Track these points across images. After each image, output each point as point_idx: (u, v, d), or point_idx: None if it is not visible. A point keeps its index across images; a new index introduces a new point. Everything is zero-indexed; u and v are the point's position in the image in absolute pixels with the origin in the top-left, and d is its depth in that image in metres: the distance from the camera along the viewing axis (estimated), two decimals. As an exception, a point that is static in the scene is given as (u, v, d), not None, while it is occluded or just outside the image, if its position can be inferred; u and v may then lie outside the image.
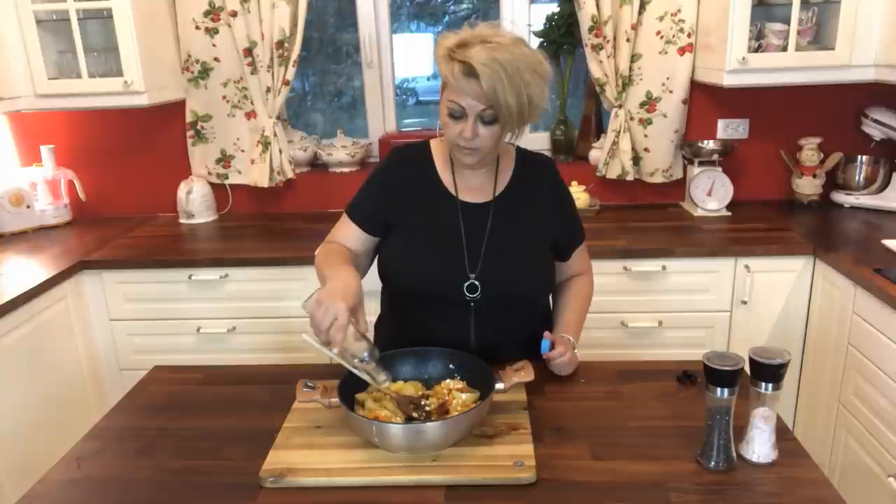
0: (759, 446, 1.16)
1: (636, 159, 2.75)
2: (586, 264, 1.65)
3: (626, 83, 2.65)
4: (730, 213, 2.65)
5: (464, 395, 1.28)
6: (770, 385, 1.13)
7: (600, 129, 2.89)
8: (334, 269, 1.33)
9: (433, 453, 1.18)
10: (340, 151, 2.88)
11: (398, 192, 1.48)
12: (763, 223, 2.54)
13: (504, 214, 1.47)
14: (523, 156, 1.54)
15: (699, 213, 2.66)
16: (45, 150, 2.79)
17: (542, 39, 2.81)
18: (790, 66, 2.38)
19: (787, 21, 2.34)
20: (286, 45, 2.63)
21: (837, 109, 2.73)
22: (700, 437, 1.17)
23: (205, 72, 2.76)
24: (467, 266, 1.44)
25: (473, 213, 1.47)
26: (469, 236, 1.45)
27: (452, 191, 1.48)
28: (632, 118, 2.71)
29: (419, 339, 1.42)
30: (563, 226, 1.55)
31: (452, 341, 1.41)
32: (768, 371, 1.13)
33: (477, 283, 1.43)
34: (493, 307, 1.45)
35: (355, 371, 1.26)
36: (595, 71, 2.63)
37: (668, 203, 2.85)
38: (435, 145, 1.53)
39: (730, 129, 2.79)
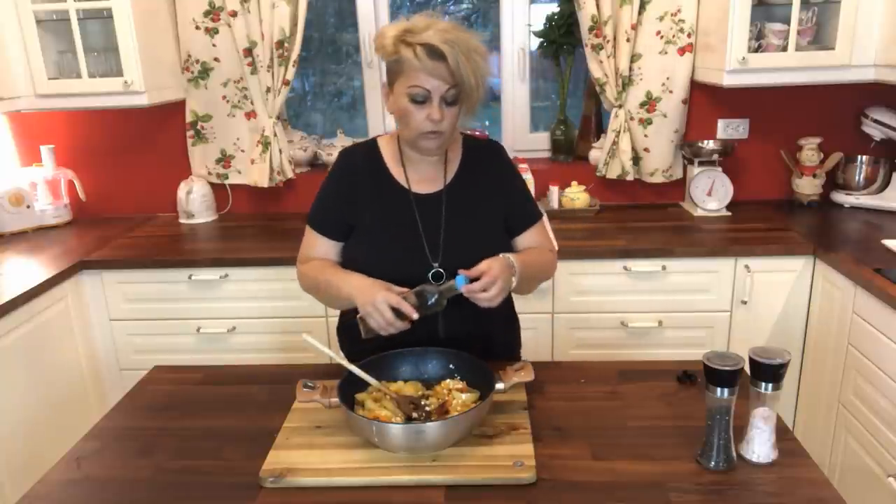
0: (759, 446, 1.16)
1: (636, 159, 2.75)
2: (546, 243, 1.61)
3: (626, 83, 2.65)
4: (730, 213, 2.65)
5: (464, 395, 1.28)
6: (770, 385, 1.13)
7: (600, 129, 2.89)
8: (339, 276, 1.41)
9: (433, 453, 1.18)
10: (340, 151, 2.87)
11: (352, 194, 1.50)
12: (763, 223, 2.54)
13: (456, 201, 1.49)
14: (470, 143, 1.56)
15: (699, 213, 2.66)
16: (45, 150, 2.79)
17: (542, 39, 2.81)
18: (790, 66, 2.38)
19: (787, 21, 2.34)
20: (286, 45, 2.63)
21: (837, 109, 2.73)
22: (700, 437, 1.17)
23: (205, 72, 2.77)
24: (429, 255, 1.46)
25: (427, 203, 1.49)
26: (426, 226, 1.47)
27: (404, 184, 1.50)
28: (632, 118, 2.71)
29: (388, 336, 1.39)
30: (511, 206, 1.55)
31: (421, 334, 1.40)
32: (768, 371, 1.13)
33: (441, 270, 1.45)
34: (457, 300, 1.43)
35: (356, 370, 1.26)
36: (595, 71, 2.63)
37: (668, 203, 2.85)
38: (383, 142, 1.54)
39: (730, 129, 2.79)
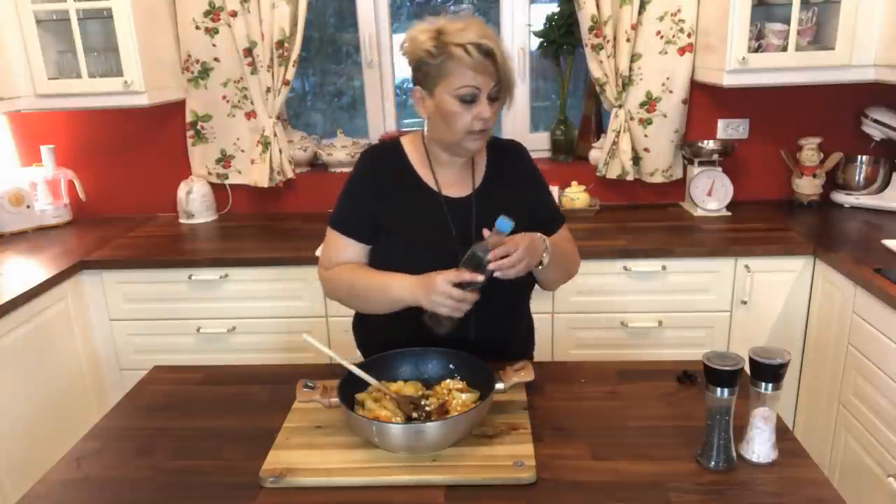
0: (759, 446, 1.16)
1: (636, 159, 2.75)
2: (572, 247, 1.61)
3: (626, 83, 2.65)
4: (730, 213, 2.65)
5: (464, 395, 1.28)
6: (770, 385, 1.13)
7: (600, 129, 2.89)
8: (380, 278, 1.41)
9: (433, 453, 1.18)
10: (340, 151, 2.88)
11: (381, 195, 1.47)
12: (763, 223, 2.54)
13: (486, 205, 1.47)
14: (494, 144, 1.55)
15: (699, 213, 2.66)
16: (45, 150, 2.79)
17: (542, 39, 2.81)
18: (790, 66, 2.38)
19: (787, 21, 2.34)
20: (286, 45, 2.63)
21: (837, 109, 2.73)
22: (700, 437, 1.17)
23: (205, 72, 2.77)
24: (460, 259, 1.43)
25: (457, 207, 1.47)
26: (458, 230, 1.46)
27: (433, 186, 1.48)
28: (632, 118, 2.71)
29: (420, 338, 1.40)
30: (539, 208, 1.55)
31: (452, 337, 1.39)
32: (768, 371, 1.13)
33: None
34: (490, 297, 1.42)
35: (356, 370, 1.26)
36: (595, 71, 2.63)
37: (668, 203, 2.85)
38: (407, 143, 1.52)
39: (730, 129, 2.79)
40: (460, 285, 1.29)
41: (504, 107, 1.43)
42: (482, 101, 1.35)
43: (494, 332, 1.48)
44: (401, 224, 1.46)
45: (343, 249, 1.49)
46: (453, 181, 1.49)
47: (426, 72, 1.38)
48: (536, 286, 1.58)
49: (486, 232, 1.33)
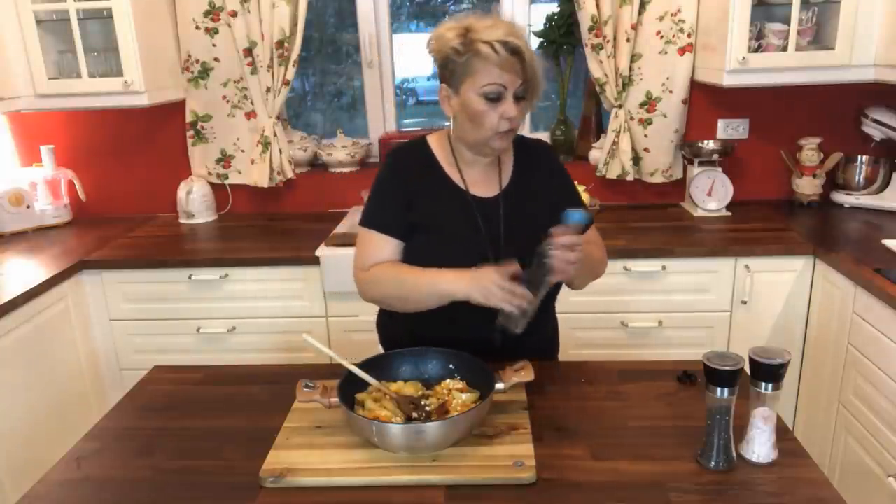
0: (760, 446, 1.16)
1: (636, 159, 2.75)
2: (600, 243, 1.58)
3: (626, 83, 2.65)
4: (730, 213, 2.65)
5: (464, 395, 1.28)
6: (770, 385, 1.13)
7: (600, 129, 2.89)
8: (427, 274, 1.39)
9: (433, 453, 1.18)
10: (340, 151, 2.88)
11: (412, 192, 1.46)
12: (763, 223, 2.54)
13: (513, 205, 1.47)
14: (520, 143, 1.53)
15: (699, 213, 2.66)
16: (45, 150, 2.79)
17: (542, 39, 2.81)
18: (790, 66, 2.37)
19: (787, 21, 2.34)
20: (286, 45, 2.63)
21: (837, 109, 2.73)
22: (700, 437, 1.17)
23: (205, 72, 2.77)
24: (491, 259, 1.42)
25: (485, 206, 1.47)
26: (487, 230, 1.45)
27: (461, 185, 1.47)
28: (632, 118, 2.71)
29: (447, 337, 1.39)
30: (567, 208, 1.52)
31: (481, 337, 1.39)
32: (768, 371, 1.13)
33: None
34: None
35: (356, 370, 1.26)
36: (595, 71, 2.63)
37: (668, 203, 2.85)
38: (433, 142, 1.51)
39: (730, 129, 2.79)
40: (513, 280, 1.29)
41: (528, 107, 1.42)
42: (508, 100, 1.34)
43: (522, 338, 1.42)
44: (432, 222, 1.45)
45: (380, 248, 1.46)
46: (480, 180, 1.48)
47: (452, 69, 1.37)
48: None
49: (555, 230, 1.30)
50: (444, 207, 1.46)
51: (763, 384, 1.14)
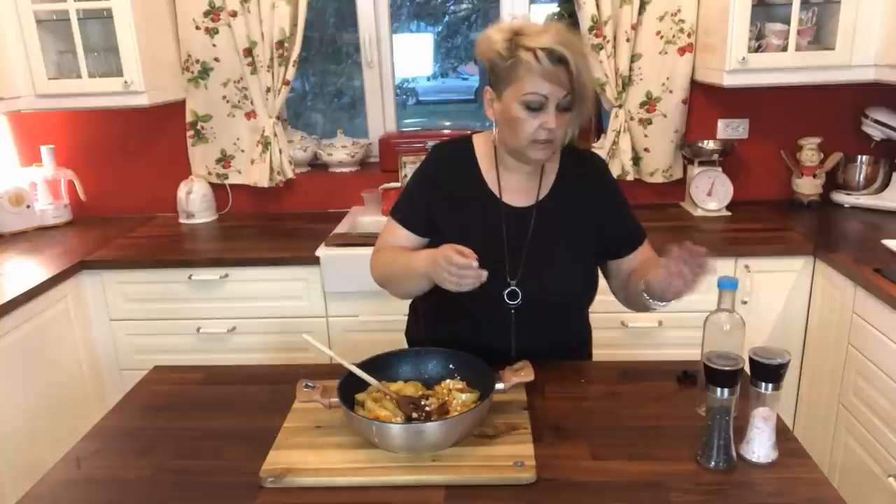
0: (759, 446, 1.16)
1: (636, 159, 2.75)
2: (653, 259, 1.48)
3: (626, 83, 2.65)
4: (730, 213, 2.65)
5: (464, 396, 1.28)
6: (770, 385, 1.13)
7: (600, 129, 2.89)
8: (411, 256, 1.37)
9: (433, 453, 1.18)
10: (340, 151, 2.88)
11: (440, 193, 1.45)
12: (763, 223, 2.54)
13: (547, 219, 1.43)
14: (570, 153, 1.48)
15: (699, 213, 2.66)
16: (45, 150, 2.79)
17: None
18: (790, 66, 2.37)
19: (787, 21, 2.34)
20: (286, 45, 2.63)
21: (837, 109, 2.72)
22: (700, 437, 1.17)
23: (205, 72, 2.76)
24: (508, 272, 1.40)
25: (516, 216, 1.43)
26: (511, 241, 1.41)
27: (496, 192, 1.44)
28: (632, 118, 2.71)
29: (459, 346, 1.38)
30: (612, 225, 1.47)
31: (492, 348, 1.38)
32: (768, 371, 1.13)
33: (518, 290, 1.40)
34: (533, 315, 1.41)
35: (356, 370, 1.26)
36: (595, 71, 2.63)
37: (668, 203, 2.85)
38: (478, 143, 1.48)
39: (730, 129, 2.79)
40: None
41: (575, 119, 1.36)
42: (549, 111, 1.29)
43: (538, 346, 1.43)
44: (453, 226, 1.43)
45: (396, 237, 1.48)
46: (518, 188, 1.44)
47: (497, 73, 1.33)
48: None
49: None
50: (470, 213, 1.44)
51: (763, 384, 1.14)
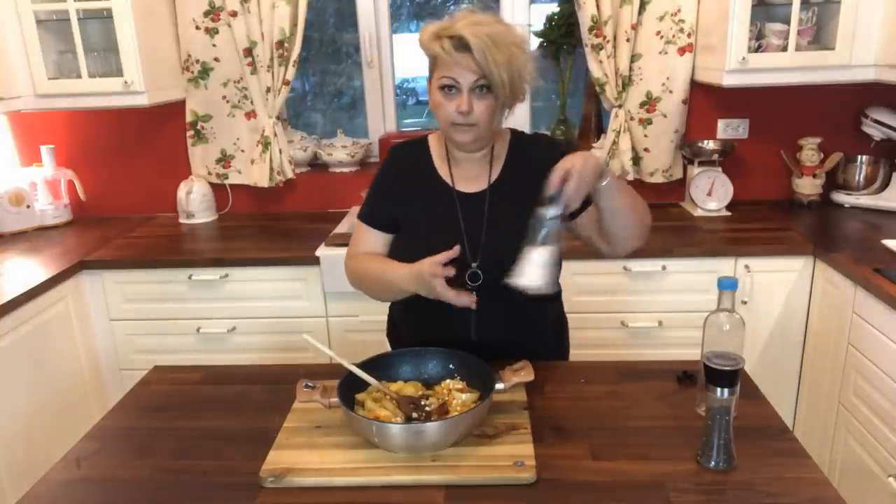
0: (531, 272, 1.20)
1: (636, 159, 2.75)
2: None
3: (626, 83, 2.65)
4: (730, 213, 2.65)
5: (464, 396, 1.28)
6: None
7: (600, 129, 2.89)
8: (386, 266, 1.44)
9: (433, 453, 1.18)
10: (340, 151, 2.88)
11: (398, 189, 1.51)
12: (763, 223, 2.54)
13: (500, 201, 1.47)
14: (517, 138, 1.53)
15: (699, 213, 2.66)
16: (45, 150, 2.79)
17: (541, 39, 2.81)
18: (790, 66, 2.37)
19: (787, 21, 2.34)
20: (286, 45, 2.63)
21: (837, 109, 2.73)
22: (700, 437, 1.17)
23: (205, 72, 2.77)
24: (468, 255, 1.44)
25: (470, 202, 1.48)
26: (468, 225, 1.46)
27: (449, 181, 1.49)
28: (632, 118, 2.71)
29: (424, 332, 1.43)
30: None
31: (455, 333, 1.43)
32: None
33: (479, 271, 1.43)
34: (495, 295, 1.41)
35: (356, 370, 1.26)
36: (595, 71, 2.63)
37: (668, 203, 2.85)
38: (432, 140, 1.55)
39: (730, 129, 2.79)
40: (453, 265, 1.30)
41: (507, 105, 1.39)
42: (462, 94, 1.34)
43: (498, 335, 1.47)
44: (413, 217, 1.49)
45: (365, 239, 1.54)
46: (470, 176, 1.49)
47: (429, 64, 1.41)
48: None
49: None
50: (426, 203, 1.49)
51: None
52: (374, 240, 1.53)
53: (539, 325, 1.58)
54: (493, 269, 1.42)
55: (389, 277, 1.43)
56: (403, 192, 1.51)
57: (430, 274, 1.30)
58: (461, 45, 1.31)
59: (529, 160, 1.50)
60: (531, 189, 1.45)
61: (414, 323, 1.56)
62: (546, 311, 1.61)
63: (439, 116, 1.40)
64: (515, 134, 1.54)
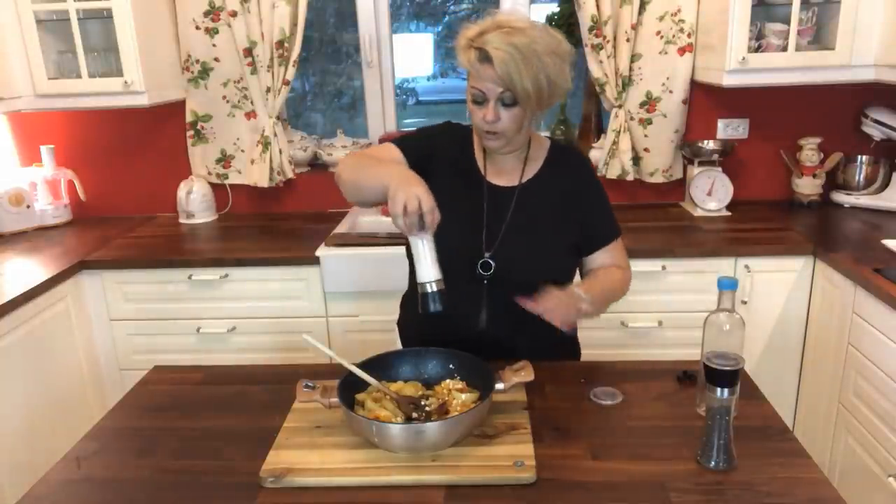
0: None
1: (636, 159, 2.75)
2: (620, 262, 1.56)
3: (626, 83, 2.65)
4: (730, 213, 2.65)
5: (464, 396, 1.28)
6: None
7: (600, 129, 2.89)
8: (383, 162, 1.40)
9: (433, 453, 1.18)
10: (340, 151, 2.88)
11: (439, 155, 1.52)
12: (763, 223, 2.54)
13: (528, 200, 1.49)
14: (557, 148, 1.56)
15: (699, 213, 2.66)
16: (45, 150, 2.79)
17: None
18: (790, 66, 2.37)
19: (787, 21, 2.34)
20: (286, 45, 2.63)
21: (837, 109, 2.73)
22: (700, 437, 1.17)
23: (205, 72, 2.76)
24: (484, 244, 1.46)
25: (498, 195, 1.50)
26: (491, 217, 1.48)
27: (482, 172, 1.52)
28: (632, 118, 2.71)
29: (432, 320, 1.38)
30: (587, 222, 1.53)
31: (464, 319, 1.44)
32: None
33: (491, 261, 1.45)
34: (505, 289, 1.43)
35: (356, 370, 1.26)
36: (595, 71, 2.63)
37: (668, 203, 2.85)
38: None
39: (730, 129, 2.79)
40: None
41: (539, 111, 1.41)
42: (489, 105, 1.36)
43: (507, 328, 1.47)
44: (438, 192, 1.43)
45: (385, 153, 1.49)
46: (502, 170, 1.52)
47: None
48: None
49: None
50: (456, 184, 1.50)
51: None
52: (395, 158, 1.48)
53: (540, 327, 1.56)
54: (505, 262, 1.45)
55: (385, 166, 1.37)
56: (441, 163, 1.50)
57: (417, 196, 1.24)
58: (486, 57, 1.31)
59: (564, 171, 1.53)
60: (560, 198, 1.50)
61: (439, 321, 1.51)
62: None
63: (472, 120, 1.43)
64: (556, 144, 1.57)
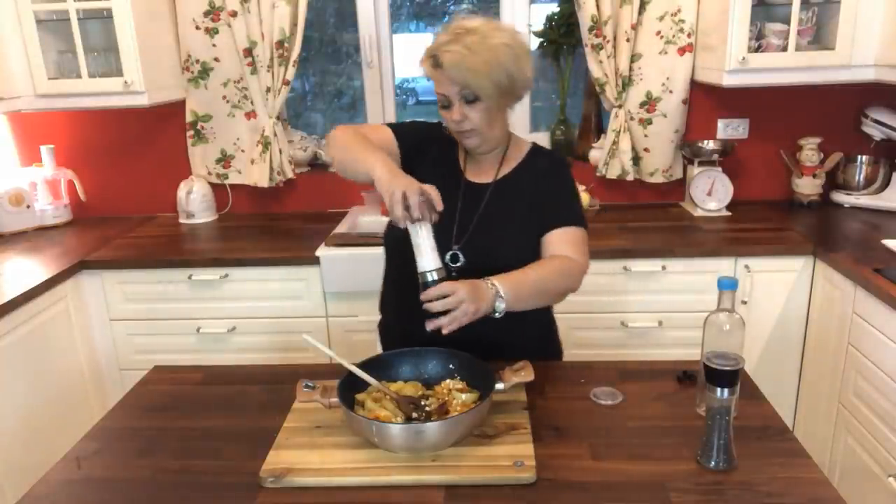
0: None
1: (636, 159, 2.75)
2: (574, 252, 1.49)
3: (626, 83, 2.65)
4: (730, 213, 2.65)
5: (464, 396, 1.28)
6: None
7: (600, 129, 2.89)
8: (373, 147, 1.40)
9: (433, 453, 1.18)
10: (340, 151, 2.87)
11: (426, 151, 1.56)
12: (763, 223, 2.54)
13: (501, 196, 1.53)
14: (536, 150, 1.59)
15: (699, 213, 2.66)
16: (45, 150, 2.79)
17: (542, 39, 2.81)
18: (790, 66, 2.38)
19: (787, 21, 2.34)
20: (286, 45, 2.63)
21: (837, 109, 2.73)
22: (700, 437, 1.17)
23: (205, 72, 2.76)
24: (454, 237, 1.49)
25: (473, 191, 1.54)
26: (464, 212, 1.51)
27: (462, 170, 1.57)
28: (632, 118, 2.71)
29: (405, 307, 1.42)
30: (546, 205, 1.51)
31: (425, 333, 1.37)
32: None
33: (459, 253, 1.47)
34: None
35: (356, 370, 1.26)
36: (595, 71, 2.63)
37: (668, 203, 2.85)
38: None
39: (730, 129, 2.79)
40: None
41: (505, 103, 1.47)
42: (454, 106, 1.42)
43: (474, 333, 1.39)
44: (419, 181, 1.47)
45: (377, 132, 1.53)
46: (482, 169, 1.56)
47: None
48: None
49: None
50: (435, 178, 1.46)
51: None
52: (385, 140, 1.53)
53: (518, 325, 1.51)
54: (473, 254, 1.47)
55: (367, 159, 1.36)
56: (425, 161, 1.54)
57: (413, 190, 1.26)
58: (437, 62, 1.38)
59: (539, 170, 1.56)
60: (534, 197, 1.53)
61: (399, 295, 1.57)
62: (524, 312, 1.53)
63: (448, 126, 1.48)
64: (535, 147, 1.60)
